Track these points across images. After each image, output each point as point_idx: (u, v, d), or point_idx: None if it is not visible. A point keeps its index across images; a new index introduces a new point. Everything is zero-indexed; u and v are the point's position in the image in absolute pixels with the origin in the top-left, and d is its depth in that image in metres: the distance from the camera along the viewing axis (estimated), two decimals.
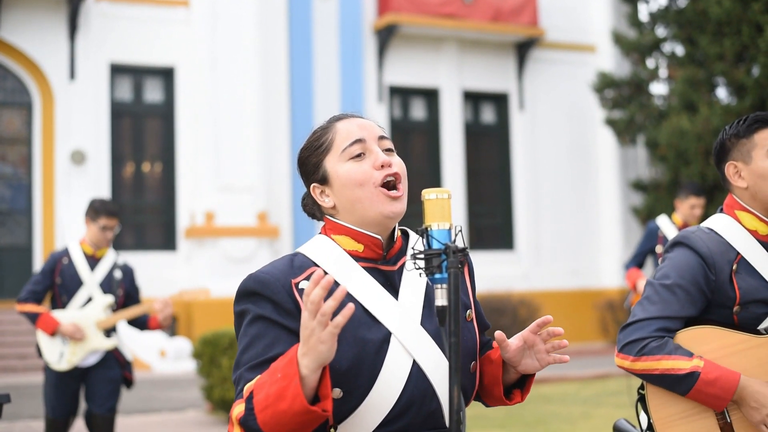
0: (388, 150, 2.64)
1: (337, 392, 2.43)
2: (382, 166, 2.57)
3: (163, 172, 19.97)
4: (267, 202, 19.71)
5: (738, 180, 3.38)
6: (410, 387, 2.47)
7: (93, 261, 7.15)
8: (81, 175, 18.70)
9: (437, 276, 2.27)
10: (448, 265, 2.23)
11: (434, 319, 2.55)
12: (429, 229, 2.33)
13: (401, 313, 2.52)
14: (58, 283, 7.05)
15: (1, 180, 18.97)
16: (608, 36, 22.85)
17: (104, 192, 18.87)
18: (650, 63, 22.10)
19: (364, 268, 2.58)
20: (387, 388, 2.46)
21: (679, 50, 21.34)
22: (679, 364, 3.12)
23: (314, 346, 2.21)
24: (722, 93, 20.41)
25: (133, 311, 7.17)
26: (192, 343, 17.25)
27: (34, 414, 11.60)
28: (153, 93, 19.98)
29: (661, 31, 21.80)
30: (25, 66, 18.90)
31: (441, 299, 2.27)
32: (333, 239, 2.63)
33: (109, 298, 7.11)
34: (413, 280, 2.59)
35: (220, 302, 18.38)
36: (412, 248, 2.37)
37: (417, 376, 2.48)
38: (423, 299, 2.58)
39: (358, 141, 2.60)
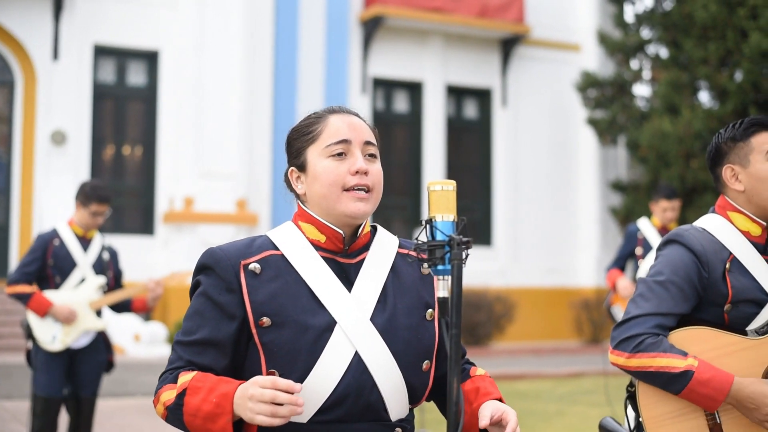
0: (371, 156, 2.68)
1: (275, 374, 2.50)
2: (357, 173, 2.61)
3: (143, 156, 19.89)
4: (247, 189, 19.66)
5: (735, 183, 3.41)
6: (348, 377, 2.51)
7: (84, 242, 7.15)
8: (61, 156, 18.59)
9: (440, 267, 2.28)
10: (452, 256, 2.24)
11: (386, 314, 2.60)
12: (433, 220, 2.33)
13: (350, 304, 2.56)
14: (51, 264, 7.01)
15: None
16: (593, 36, 22.90)
17: (83, 174, 18.77)
18: (634, 64, 22.16)
19: (323, 258, 2.63)
20: (324, 375, 2.50)
21: (664, 53, 21.40)
22: (674, 363, 3.14)
23: (246, 411, 2.40)
24: (705, 97, 20.48)
25: (125, 293, 7.18)
26: (167, 328, 17.24)
27: (7, 395, 11.55)
28: (136, 76, 19.89)
29: (646, 33, 21.85)
30: (9, 44, 18.78)
31: (442, 291, 2.28)
32: (299, 226, 2.69)
33: (102, 279, 7.13)
34: (371, 274, 2.64)
35: None
36: (416, 239, 2.38)
37: (357, 367, 2.52)
38: (378, 294, 2.62)
39: (344, 141, 2.64)
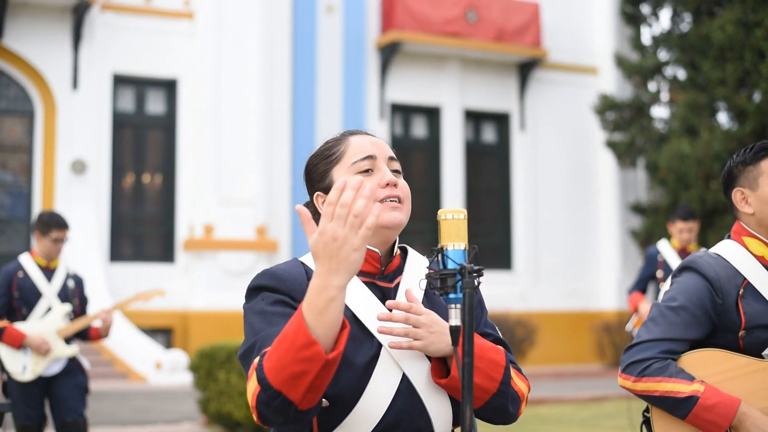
0: (396, 171, 2.67)
1: (324, 402, 2.42)
2: (388, 185, 2.60)
3: (163, 184, 19.97)
4: (266, 216, 19.70)
5: (744, 206, 3.45)
6: (399, 402, 2.47)
7: (48, 272, 7.25)
8: (81, 185, 18.69)
9: (451, 296, 2.28)
10: (463, 285, 2.24)
11: None
12: (444, 249, 2.33)
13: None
14: (16, 297, 7.12)
15: (2, 188, 18.96)
16: (611, 58, 22.90)
17: (104, 202, 18.87)
18: (652, 86, 22.14)
19: (364, 282, 2.59)
20: (374, 400, 2.45)
21: (681, 74, 21.40)
22: (679, 388, 3.16)
23: (347, 257, 2.17)
24: (723, 118, 20.45)
25: (86, 320, 7.27)
26: (188, 355, 17.23)
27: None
28: (155, 104, 20.00)
29: (663, 55, 21.85)
30: (28, 74, 18.92)
31: (455, 319, 2.28)
32: None
33: (67, 307, 7.23)
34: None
35: (217, 315, 18.37)
36: (427, 268, 2.38)
37: (406, 391, 2.48)
38: None
39: (369, 157, 2.63)
